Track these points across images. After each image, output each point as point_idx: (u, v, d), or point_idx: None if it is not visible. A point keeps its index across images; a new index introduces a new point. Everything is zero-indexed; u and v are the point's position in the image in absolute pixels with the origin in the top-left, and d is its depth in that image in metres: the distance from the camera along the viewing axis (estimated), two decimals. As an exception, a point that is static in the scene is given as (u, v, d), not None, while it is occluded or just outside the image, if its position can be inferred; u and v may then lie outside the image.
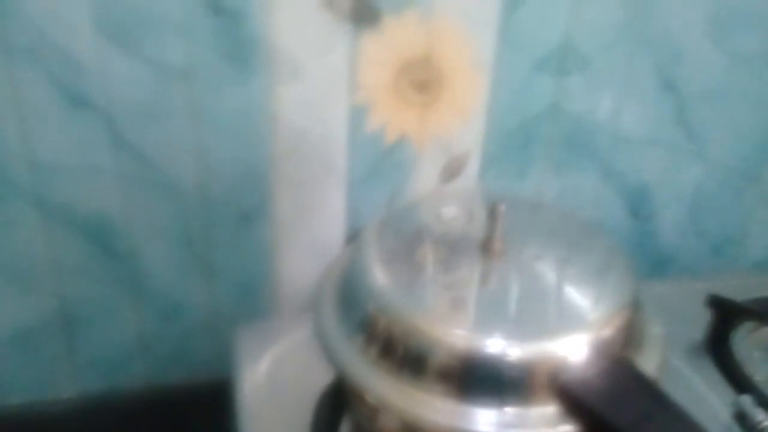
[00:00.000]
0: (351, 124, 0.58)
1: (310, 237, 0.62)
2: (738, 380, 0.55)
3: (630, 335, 0.37)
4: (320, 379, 0.52)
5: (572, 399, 0.34)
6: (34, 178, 0.54)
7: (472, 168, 0.65)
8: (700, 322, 0.61)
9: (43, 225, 0.56)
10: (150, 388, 0.67)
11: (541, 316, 0.37)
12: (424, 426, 0.35)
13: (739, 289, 0.62)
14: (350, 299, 0.40)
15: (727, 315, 0.60)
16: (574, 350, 0.35)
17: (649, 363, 0.37)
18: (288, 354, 0.56)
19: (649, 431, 0.32)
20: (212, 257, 0.62)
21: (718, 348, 0.59)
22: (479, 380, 0.34)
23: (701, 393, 0.55)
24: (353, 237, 0.48)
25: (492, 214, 0.38)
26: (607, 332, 0.36)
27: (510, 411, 0.34)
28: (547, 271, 0.39)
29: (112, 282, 0.61)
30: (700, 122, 0.69)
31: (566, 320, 0.36)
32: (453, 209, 0.44)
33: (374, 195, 0.62)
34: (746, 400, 0.50)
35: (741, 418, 0.50)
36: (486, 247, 0.39)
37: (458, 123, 0.62)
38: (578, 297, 0.38)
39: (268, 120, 0.56)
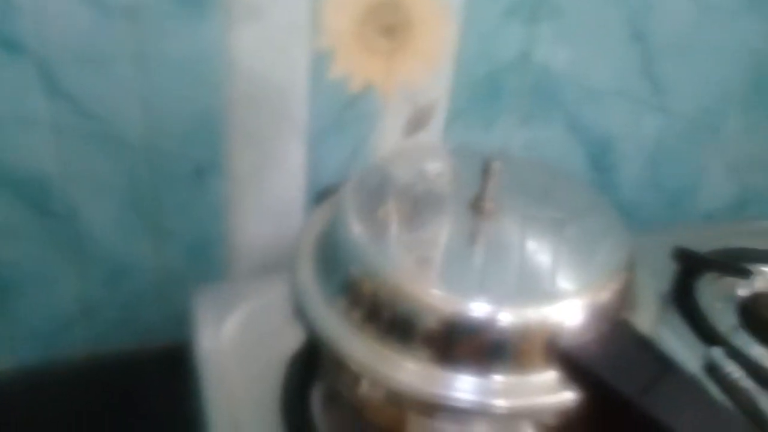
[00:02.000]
0: (312, 71, 0.54)
1: (268, 193, 0.59)
2: (704, 330, 0.56)
3: (626, 297, 0.36)
4: (289, 342, 0.49)
5: (573, 365, 0.32)
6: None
7: (438, 120, 0.62)
8: (662, 274, 0.61)
9: (-32, 183, 0.50)
10: (95, 357, 0.63)
11: (536, 278, 0.34)
12: (411, 395, 0.32)
13: (696, 241, 0.62)
14: (330, 261, 0.37)
15: (691, 267, 0.60)
16: (571, 314, 0.33)
17: (646, 323, 0.35)
18: (253, 317, 0.53)
19: (656, 396, 0.30)
20: (162, 216, 0.57)
21: (683, 299, 0.59)
22: (469, 347, 0.32)
23: (669, 345, 0.55)
24: (321, 194, 0.44)
25: (486, 171, 0.35)
26: (605, 295, 0.34)
27: (503, 379, 0.32)
28: (540, 232, 0.37)
29: (50, 245, 0.55)
30: (665, 74, 0.68)
31: (562, 283, 0.34)
32: (437, 165, 0.41)
33: (336, 149, 0.59)
34: (716, 353, 0.50)
35: (711, 369, 0.50)
36: (476, 206, 0.36)
37: (425, 72, 0.58)
38: (574, 259, 0.36)
39: (222, 65, 0.51)
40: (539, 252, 0.36)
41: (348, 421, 0.45)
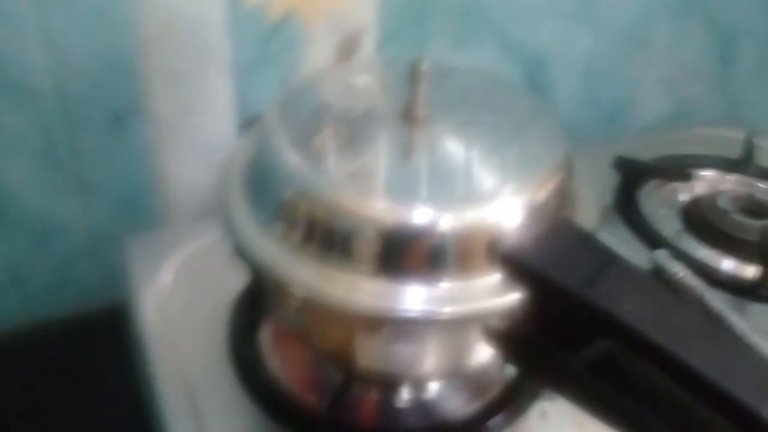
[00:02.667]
0: (228, 0, 0.51)
1: (195, 135, 0.56)
2: (649, 236, 0.56)
3: (565, 196, 0.35)
4: (230, 286, 0.47)
5: (516, 265, 0.31)
6: None
7: (368, 46, 0.59)
8: (604, 185, 0.61)
9: None
10: (28, 325, 0.60)
11: (473, 183, 0.33)
12: (358, 311, 0.31)
13: (635, 152, 0.62)
14: (261, 187, 0.35)
15: (633, 175, 0.60)
16: (510, 215, 0.32)
17: (586, 221, 0.35)
18: (190, 264, 0.51)
19: (600, 287, 0.30)
20: (83, 168, 0.54)
21: (626, 208, 0.59)
22: (409, 255, 0.31)
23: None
24: (246, 124, 0.42)
25: (413, 76, 0.34)
26: (543, 194, 0.33)
27: (446, 285, 0.31)
28: (475, 137, 0.35)
29: (-36, 208, 0.52)
30: (593, -14, 0.67)
31: (500, 185, 0.33)
32: (365, 79, 0.40)
33: (264, 82, 0.56)
34: (661, 254, 0.50)
35: (658, 272, 0.50)
36: (407, 115, 0.35)
37: (349, -6, 0.56)
38: (510, 161, 0.35)
39: (129, -2, 0.48)
40: (475, 156, 0.34)
41: (297, 355, 0.44)
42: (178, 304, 0.48)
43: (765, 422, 0.27)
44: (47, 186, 0.53)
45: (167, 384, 0.43)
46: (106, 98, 0.51)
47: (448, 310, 0.31)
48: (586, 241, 0.32)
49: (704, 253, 0.56)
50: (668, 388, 0.30)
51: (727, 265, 0.55)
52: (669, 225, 0.58)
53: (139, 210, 0.57)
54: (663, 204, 0.61)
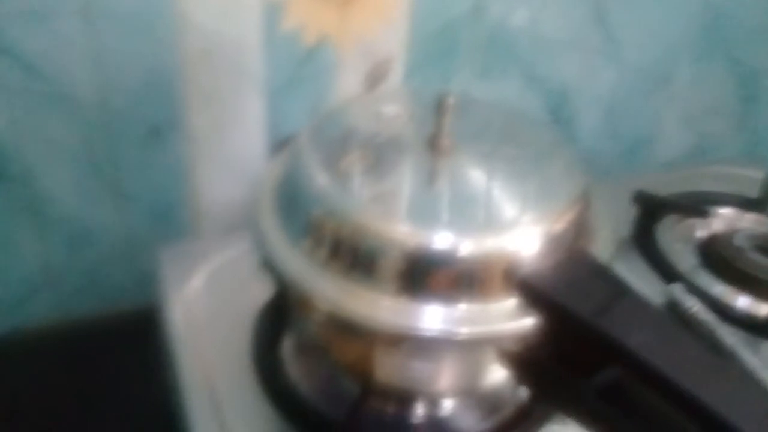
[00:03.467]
0: (266, 24, 0.54)
1: (228, 152, 0.58)
2: (665, 270, 0.57)
3: (582, 227, 0.37)
4: (256, 297, 0.49)
5: (532, 292, 0.33)
6: None
7: (396, 74, 0.62)
8: (622, 219, 0.62)
9: None
10: (60, 324, 0.62)
11: (493, 211, 0.35)
12: (378, 327, 0.33)
13: (654, 187, 0.63)
14: (291, 205, 0.37)
15: (651, 209, 0.61)
16: (528, 243, 0.34)
17: (602, 253, 0.36)
18: (218, 274, 0.53)
19: (610, 317, 0.31)
20: (121, 177, 0.56)
21: (643, 241, 0.60)
22: (430, 277, 0.33)
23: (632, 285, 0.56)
24: (279, 145, 0.44)
25: (440, 108, 0.36)
26: (561, 225, 0.35)
27: (463, 307, 0.33)
28: (497, 167, 0.37)
29: (8, 210, 0.55)
30: (617, 24, 0.69)
31: (519, 214, 0.35)
32: (393, 108, 0.42)
33: (295, 105, 0.58)
34: (676, 288, 0.52)
35: (672, 306, 0.51)
36: (433, 144, 0.37)
37: (380, 24, 0.58)
38: (530, 192, 0.36)
39: (172, 19, 0.50)
40: (497, 186, 0.36)
41: (317, 366, 0.46)
42: (205, 312, 0.50)
43: (764, 454, 0.28)
44: (86, 193, 0.56)
45: (192, 387, 0.45)
46: (147, 113, 0.54)
47: (464, 331, 0.33)
48: (600, 272, 0.34)
49: (719, 290, 0.56)
50: (675, 418, 0.31)
51: (742, 302, 0.56)
52: (685, 260, 0.59)
53: (170, 220, 0.60)
54: (680, 239, 0.62)
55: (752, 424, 0.29)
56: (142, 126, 0.55)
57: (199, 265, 0.54)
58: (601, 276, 0.34)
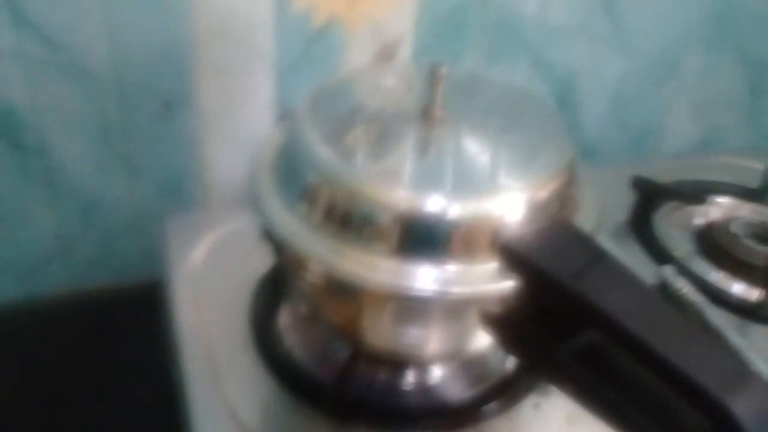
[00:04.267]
0: (277, 3, 0.55)
1: (237, 127, 0.60)
2: (659, 254, 0.58)
3: (566, 198, 0.38)
4: (256, 267, 0.51)
5: (513, 255, 0.34)
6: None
7: (404, 56, 0.63)
8: (621, 205, 0.63)
9: (-61, 115, 0.51)
10: (72, 293, 0.64)
11: (480, 178, 0.36)
12: (368, 286, 0.34)
13: (658, 175, 0.64)
14: (289, 171, 0.38)
15: (649, 195, 0.62)
16: (512, 209, 0.35)
17: (585, 223, 0.37)
18: (221, 243, 0.55)
19: (587, 281, 0.32)
20: (133, 150, 0.58)
21: (640, 226, 0.61)
22: (421, 239, 0.34)
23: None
24: (282, 116, 0.46)
25: (433, 77, 0.37)
26: (544, 193, 0.36)
27: (452, 269, 0.34)
28: (486, 137, 0.39)
29: (23, 179, 0.57)
30: (626, 12, 0.70)
31: (504, 182, 0.36)
32: (390, 81, 0.43)
33: (303, 83, 0.60)
34: (668, 270, 0.52)
35: (664, 287, 0.52)
36: (426, 114, 0.38)
37: (389, 6, 0.59)
38: (516, 161, 0.38)
39: (186, -4, 0.52)
40: (485, 155, 0.37)
41: (311, 334, 0.48)
42: (208, 281, 0.52)
43: (730, 412, 0.29)
44: (99, 165, 0.58)
45: (192, 353, 0.47)
46: (159, 87, 0.56)
47: (450, 290, 0.34)
48: (581, 239, 0.35)
49: (715, 276, 0.57)
50: (649, 380, 0.32)
51: (737, 288, 0.56)
52: (681, 246, 0.60)
53: (180, 193, 0.62)
54: (677, 226, 0.62)
55: (721, 384, 0.30)
56: (155, 100, 0.56)
57: (203, 236, 0.55)
58: (581, 243, 0.35)
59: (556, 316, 0.34)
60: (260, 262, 0.50)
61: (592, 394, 0.34)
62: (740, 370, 0.30)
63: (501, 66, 0.68)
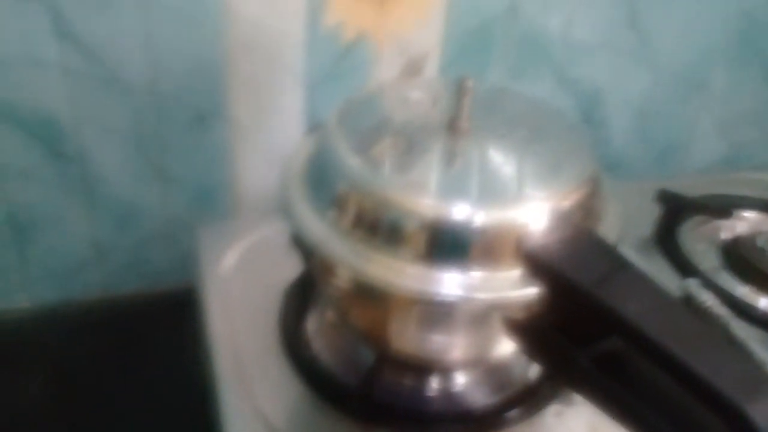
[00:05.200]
0: (308, 19, 0.57)
1: (268, 140, 0.62)
2: (685, 268, 0.58)
3: (590, 209, 0.39)
4: (285, 275, 0.52)
5: (537, 262, 0.35)
6: (-26, 72, 0.51)
7: (430, 71, 0.64)
8: (646, 219, 0.63)
9: (-14, 124, 0.54)
10: (106, 298, 0.66)
11: (505, 187, 0.37)
12: (396, 291, 0.35)
13: (683, 189, 0.64)
14: (319, 179, 0.40)
15: (675, 209, 0.62)
16: (536, 218, 0.36)
17: (608, 234, 0.38)
18: (251, 251, 0.56)
19: (610, 288, 0.33)
20: (166, 160, 0.60)
21: (665, 240, 0.61)
22: (447, 246, 0.35)
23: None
24: (312, 128, 0.47)
25: (459, 90, 0.38)
26: (568, 203, 0.37)
27: (477, 275, 0.35)
28: (511, 148, 0.40)
29: (62, 187, 0.59)
30: (651, 28, 0.70)
31: (529, 191, 0.37)
32: (417, 94, 0.44)
33: (332, 97, 0.62)
34: (693, 283, 0.53)
35: (688, 300, 0.52)
36: (452, 125, 0.39)
37: (417, 22, 0.61)
38: (541, 171, 0.39)
39: (221, 10, 0.54)
40: (511, 165, 0.38)
41: (338, 339, 0.49)
42: (238, 288, 0.54)
43: (748, 418, 0.29)
44: (134, 174, 0.60)
45: (223, 357, 0.48)
46: (193, 99, 0.58)
47: (477, 296, 0.35)
48: (604, 248, 0.36)
49: (740, 290, 0.57)
50: (670, 387, 0.33)
51: (763, 302, 0.56)
52: (707, 260, 0.60)
53: (211, 202, 0.63)
54: (703, 240, 0.63)
55: (741, 391, 0.30)
56: (189, 112, 0.58)
57: (233, 245, 0.57)
58: (604, 251, 0.36)
59: (579, 323, 0.35)
60: (289, 269, 0.51)
61: (614, 400, 0.35)
62: (760, 377, 0.30)
63: (526, 81, 0.69)
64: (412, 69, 0.63)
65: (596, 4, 0.67)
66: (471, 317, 0.38)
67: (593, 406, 0.36)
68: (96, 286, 0.65)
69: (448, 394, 0.45)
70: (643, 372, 0.34)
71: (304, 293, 0.51)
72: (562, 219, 0.36)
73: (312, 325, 0.50)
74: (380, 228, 0.36)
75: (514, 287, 0.35)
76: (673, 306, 0.33)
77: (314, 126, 0.45)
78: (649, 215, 0.63)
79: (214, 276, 0.55)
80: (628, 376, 0.34)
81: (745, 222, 0.64)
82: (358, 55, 0.61)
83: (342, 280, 0.39)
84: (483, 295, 0.35)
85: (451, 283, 0.35)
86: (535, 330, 0.36)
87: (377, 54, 0.61)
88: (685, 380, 0.31)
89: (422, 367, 0.45)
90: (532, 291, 0.35)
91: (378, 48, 0.61)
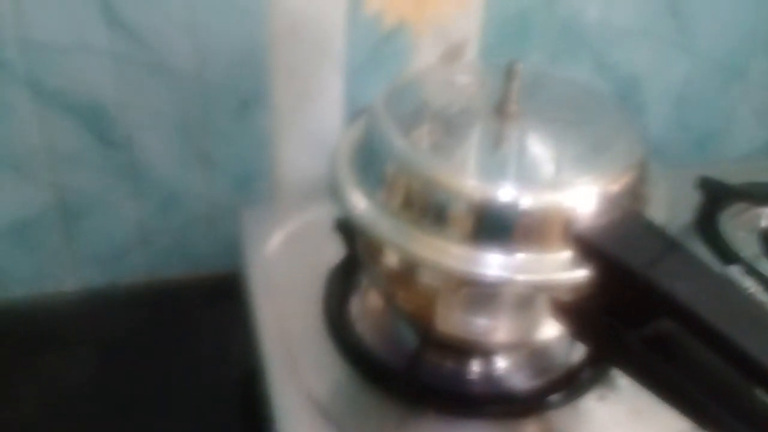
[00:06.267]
0: (349, 7, 0.58)
1: (308, 125, 0.62)
2: (726, 255, 0.58)
3: (638, 191, 0.39)
4: (329, 258, 0.53)
5: (586, 245, 0.35)
6: (27, 58, 0.53)
7: (469, 57, 0.64)
8: (685, 206, 0.63)
9: (37, 109, 0.55)
10: (151, 282, 0.68)
11: (553, 170, 0.38)
12: (443, 271, 0.36)
13: (722, 177, 0.64)
14: (367, 162, 0.40)
15: (715, 196, 0.62)
16: (584, 201, 0.36)
17: (656, 215, 0.38)
18: (295, 236, 0.57)
19: (661, 270, 0.33)
20: (210, 146, 0.61)
21: (706, 227, 0.61)
22: (494, 228, 0.36)
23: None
24: (355, 115, 0.48)
25: (508, 73, 0.39)
26: (616, 187, 0.37)
27: (523, 257, 0.36)
28: (558, 131, 0.40)
29: (109, 171, 0.60)
30: (691, 14, 0.70)
31: (578, 174, 0.37)
32: (463, 78, 0.45)
33: (372, 83, 0.62)
34: (734, 270, 0.53)
35: (730, 286, 0.52)
36: (501, 109, 0.40)
37: (456, 10, 0.61)
38: (589, 154, 0.39)
39: (264, -2, 0.55)
40: (558, 148, 0.39)
41: (381, 321, 0.50)
42: (282, 271, 0.55)
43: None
44: (178, 159, 0.61)
45: (269, 340, 0.49)
46: (237, 86, 0.59)
47: (522, 278, 0.35)
48: (652, 230, 0.36)
49: (782, 279, 0.57)
50: (722, 369, 0.33)
51: (805, 291, 0.56)
52: (748, 248, 0.60)
53: (253, 187, 0.64)
54: (744, 227, 0.62)
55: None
56: (233, 98, 0.59)
57: (277, 229, 0.58)
58: (653, 233, 0.36)
59: (628, 305, 0.35)
60: (332, 253, 0.52)
61: (664, 382, 0.35)
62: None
63: (564, 67, 0.69)
64: (452, 56, 0.63)
65: (637, -12, 0.67)
66: (517, 299, 0.38)
67: (642, 388, 0.36)
68: (141, 269, 0.67)
69: (490, 377, 0.46)
70: (693, 353, 0.34)
71: (346, 276, 0.52)
72: (610, 202, 0.36)
73: (355, 307, 0.51)
74: (428, 209, 0.37)
75: (563, 269, 0.36)
76: (724, 286, 0.34)
77: (359, 111, 0.45)
78: (689, 202, 0.63)
79: (258, 259, 0.56)
80: (678, 358, 0.34)
81: (787, 210, 0.63)
82: (398, 43, 0.61)
83: (389, 260, 0.40)
84: (530, 277, 0.36)
85: (498, 264, 0.35)
86: (584, 312, 0.36)
87: (417, 41, 0.62)
88: (737, 360, 0.31)
89: (465, 350, 0.46)
90: (581, 273, 0.35)
91: (417, 35, 0.61)
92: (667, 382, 0.35)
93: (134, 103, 0.57)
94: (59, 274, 0.64)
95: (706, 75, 0.74)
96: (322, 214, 0.47)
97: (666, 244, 0.35)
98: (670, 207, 0.41)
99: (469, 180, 0.36)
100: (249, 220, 0.58)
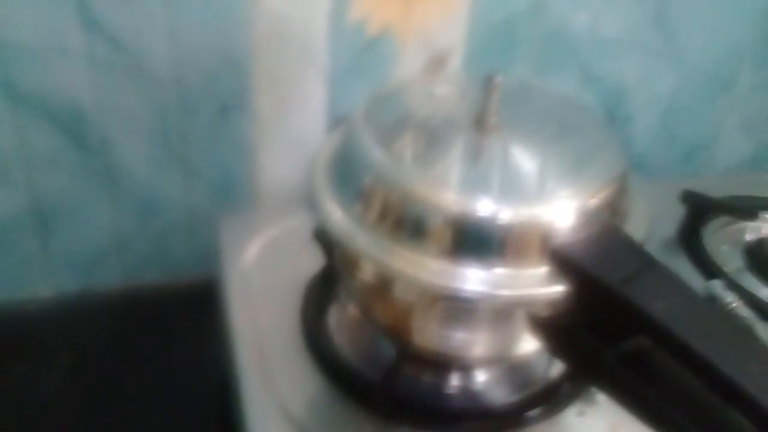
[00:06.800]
0: (333, 13, 0.57)
1: (289, 132, 0.62)
2: (709, 269, 0.57)
3: (617, 206, 0.38)
4: (307, 268, 0.52)
5: (563, 260, 0.35)
6: (1, 61, 0.52)
7: (454, 66, 0.64)
8: (670, 219, 0.63)
9: (12, 113, 0.54)
10: (127, 288, 0.66)
11: (532, 184, 0.37)
12: (419, 286, 0.35)
13: (708, 190, 0.63)
14: (345, 173, 0.39)
15: (699, 210, 0.62)
16: (562, 216, 0.36)
17: (636, 231, 0.38)
18: (273, 244, 0.56)
19: (637, 287, 0.33)
20: (189, 152, 0.60)
21: (689, 241, 0.61)
22: (472, 242, 0.35)
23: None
24: (336, 123, 0.47)
25: (487, 86, 0.38)
26: (595, 201, 0.37)
27: (501, 272, 0.35)
28: (538, 145, 0.39)
29: (85, 176, 0.59)
30: (679, 26, 0.69)
31: (556, 188, 0.37)
32: (443, 89, 0.44)
33: (355, 90, 0.61)
34: (716, 284, 0.52)
35: (712, 301, 0.52)
36: (480, 121, 0.39)
37: (441, 16, 0.61)
38: (568, 168, 0.38)
39: (246, 3, 0.54)
40: (537, 161, 0.38)
41: (359, 333, 0.49)
42: (260, 280, 0.54)
43: (778, 421, 0.29)
44: (156, 164, 0.60)
45: (245, 349, 0.48)
46: (216, 91, 0.58)
47: (501, 293, 0.35)
48: (630, 246, 0.35)
49: (765, 292, 0.57)
50: (696, 387, 0.32)
51: (789, 305, 0.55)
52: (731, 262, 0.59)
53: (232, 194, 0.64)
54: (727, 241, 0.62)
55: (769, 394, 0.30)
56: (213, 103, 0.59)
57: (255, 237, 0.57)
58: (632, 250, 0.35)
59: (605, 321, 0.34)
60: (310, 263, 0.51)
61: (639, 399, 0.34)
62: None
63: (550, 78, 0.69)
64: (436, 64, 0.63)
65: (623, 1, 0.66)
66: (494, 314, 0.38)
67: (618, 405, 0.36)
68: (117, 276, 0.65)
69: (468, 391, 0.45)
70: (669, 371, 0.33)
71: (325, 287, 0.51)
72: (589, 217, 0.36)
73: (333, 318, 0.50)
74: (405, 222, 0.36)
75: (540, 285, 0.35)
76: (700, 305, 0.33)
77: (339, 119, 0.44)
78: (674, 215, 0.63)
79: (236, 268, 0.55)
80: (653, 376, 0.34)
81: (771, 224, 0.63)
82: (382, 50, 0.61)
83: (366, 273, 0.39)
84: (508, 292, 0.35)
85: (476, 279, 0.35)
86: (560, 328, 0.36)
87: (401, 49, 0.61)
88: (712, 380, 0.31)
89: (443, 364, 0.45)
90: (558, 289, 0.35)
91: (402, 43, 0.61)
92: (643, 400, 0.34)
93: (112, 107, 0.56)
94: (33, 279, 0.63)
95: (692, 87, 0.74)
96: (302, 223, 0.46)
97: (643, 260, 0.34)
98: (651, 222, 0.40)
99: (446, 193, 0.36)
100: (227, 227, 0.57)
